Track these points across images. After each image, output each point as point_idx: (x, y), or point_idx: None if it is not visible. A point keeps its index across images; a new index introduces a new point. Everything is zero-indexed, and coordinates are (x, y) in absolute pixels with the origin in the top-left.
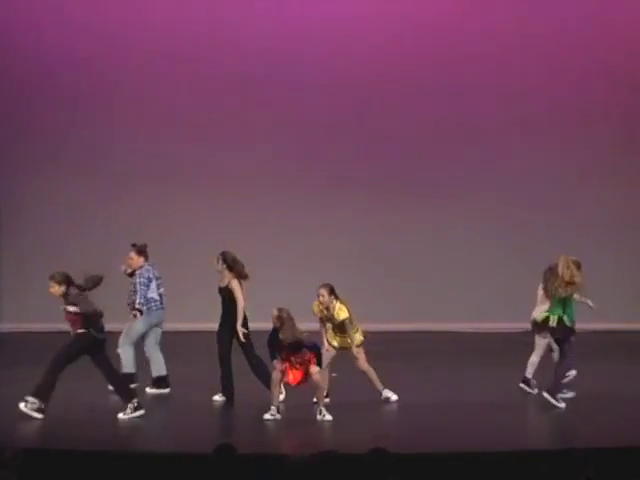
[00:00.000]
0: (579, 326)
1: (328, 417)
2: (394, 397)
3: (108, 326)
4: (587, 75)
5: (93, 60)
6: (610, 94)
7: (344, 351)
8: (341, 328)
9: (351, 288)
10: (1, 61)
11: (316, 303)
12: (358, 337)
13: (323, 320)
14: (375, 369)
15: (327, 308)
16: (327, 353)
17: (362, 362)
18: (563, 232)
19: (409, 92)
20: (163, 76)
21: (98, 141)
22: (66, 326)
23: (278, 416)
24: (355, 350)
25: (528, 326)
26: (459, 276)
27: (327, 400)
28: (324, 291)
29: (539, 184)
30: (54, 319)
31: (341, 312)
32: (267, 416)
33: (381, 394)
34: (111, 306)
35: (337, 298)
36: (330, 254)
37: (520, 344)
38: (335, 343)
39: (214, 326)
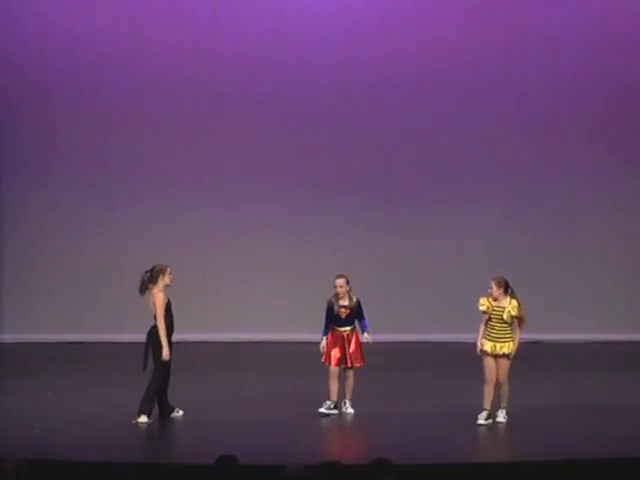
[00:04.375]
0: (580, 337)
1: (350, 410)
2: (503, 419)
3: (111, 336)
4: (588, 78)
5: (95, 68)
6: (611, 98)
7: (495, 358)
8: (505, 328)
9: None
10: (4, 72)
11: (484, 297)
12: (511, 347)
13: (488, 317)
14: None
15: (496, 299)
16: (485, 361)
17: (503, 374)
18: (564, 242)
19: (408, 98)
20: (164, 84)
21: (101, 150)
22: (69, 336)
23: (334, 410)
24: (504, 359)
25: (533, 337)
26: (462, 286)
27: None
28: (493, 283)
29: (540, 192)
30: (56, 330)
31: (519, 308)
32: (322, 410)
33: (496, 413)
34: (114, 315)
35: (513, 295)
36: (330, 264)
37: (524, 356)
38: (487, 348)
39: (219, 336)
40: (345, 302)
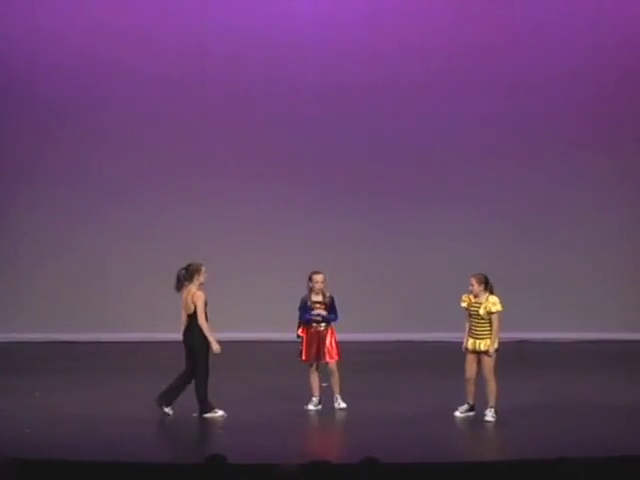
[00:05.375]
0: (568, 335)
1: (343, 405)
2: (491, 418)
3: (102, 335)
4: (581, 78)
5: (83, 67)
6: (604, 98)
7: (476, 355)
8: (482, 324)
9: (339, 298)
10: None
11: (466, 294)
12: (488, 343)
13: (470, 314)
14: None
15: (476, 296)
16: (466, 357)
17: (488, 370)
18: (558, 242)
19: (400, 99)
20: (154, 83)
21: (88, 150)
22: (57, 336)
23: (320, 407)
24: (486, 356)
25: (522, 336)
26: (448, 285)
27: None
28: (473, 280)
29: (534, 192)
30: (45, 329)
31: (495, 304)
32: (310, 407)
33: (485, 412)
34: (102, 314)
35: (491, 292)
36: (318, 264)
37: (511, 354)
38: (468, 345)
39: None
40: (319, 298)
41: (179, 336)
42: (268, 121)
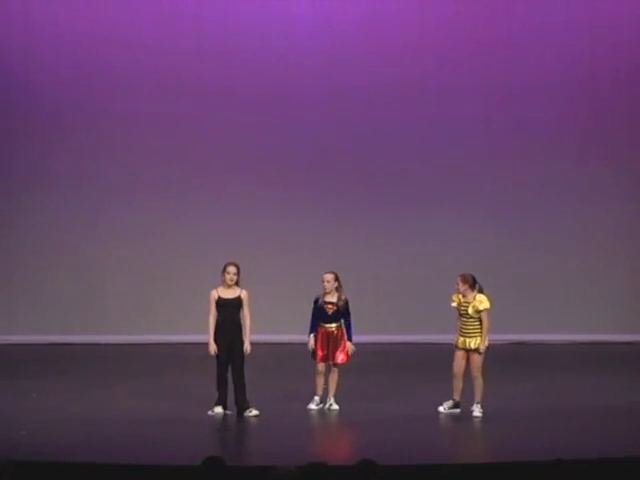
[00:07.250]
0: (563, 337)
1: (335, 406)
2: (479, 414)
3: (97, 338)
4: (574, 81)
5: (82, 70)
6: (597, 101)
7: (465, 352)
8: (472, 323)
9: None
10: None
11: (455, 294)
12: (478, 341)
13: (460, 314)
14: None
15: (464, 295)
16: (454, 355)
17: (475, 368)
18: (556, 244)
19: (394, 100)
20: (152, 86)
21: (85, 153)
22: (53, 338)
23: (321, 405)
24: (475, 354)
25: (517, 338)
26: (446, 287)
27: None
28: (459, 279)
29: (524, 194)
30: (41, 331)
31: (483, 302)
32: (312, 406)
33: (472, 408)
34: (99, 316)
35: (480, 290)
36: (316, 265)
37: (508, 356)
38: (458, 342)
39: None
40: (333, 299)
41: (176, 337)
42: (268, 123)
